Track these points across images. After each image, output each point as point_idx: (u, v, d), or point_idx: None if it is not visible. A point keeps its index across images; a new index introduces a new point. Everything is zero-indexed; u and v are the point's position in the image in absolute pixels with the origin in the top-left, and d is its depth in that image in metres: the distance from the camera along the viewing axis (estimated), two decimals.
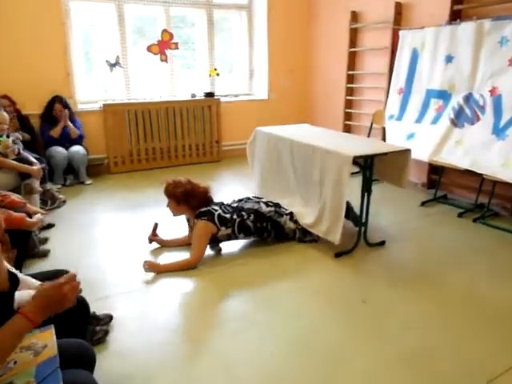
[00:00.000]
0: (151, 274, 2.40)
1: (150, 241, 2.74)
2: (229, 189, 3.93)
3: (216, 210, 2.57)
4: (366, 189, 2.62)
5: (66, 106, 4.15)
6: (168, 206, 2.58)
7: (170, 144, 4.84)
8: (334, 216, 2.55)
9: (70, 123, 4.16)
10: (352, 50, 4.70)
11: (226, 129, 5.17)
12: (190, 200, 2.52)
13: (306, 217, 2.80)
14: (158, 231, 2.75)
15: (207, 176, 4.11)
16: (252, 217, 2.65)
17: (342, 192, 2.48)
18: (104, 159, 4.61)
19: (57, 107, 4.08)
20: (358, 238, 2.67)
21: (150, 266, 2.41)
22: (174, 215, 2.62)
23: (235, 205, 2.75)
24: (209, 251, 2.64)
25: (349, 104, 4.90)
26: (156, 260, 2.53)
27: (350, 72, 4.78)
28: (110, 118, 4.50)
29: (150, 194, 3.87)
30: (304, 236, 2.77)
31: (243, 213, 2.65)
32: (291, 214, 2.80)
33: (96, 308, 1.94)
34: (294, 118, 5.37)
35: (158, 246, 2.75)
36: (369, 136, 4.31)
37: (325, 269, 2.47)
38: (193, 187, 2.54)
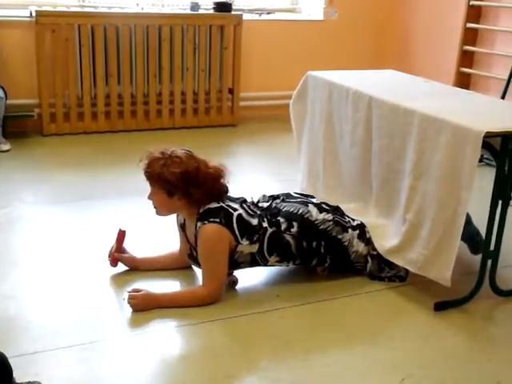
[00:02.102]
0: (116, 317, 2.41)
1: (114, 261, 2.75)
2: (251, 177, 3.92)
3: (235, 210, 2.58)
4: (501, 193, 2.57)
5: None
6: (151, 197, 2.58)
7: (149, 91, 4.86)
8: (441, 236, 2.53)
9: None
10: None
11: (250, 69, 5.16)
12: (191, 189, 2.51)
13: (386, 235, 2.80)
14: (125, 244, 2.76)
15: (213, 152, 4.06)
16: (295, 228, 2.64)
17: (458, 194, 2.45)
18: (33, 109, 4.64)
19: None
20: (479, 277, 2.63)
21: (143, 301, 2.43)
22: (160, 214, 2.63)
23: (266, 205, 2.76)
24: None
25: (470, 38, 4.85)
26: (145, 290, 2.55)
27: None
28: (48, 37, 4.51)
29: (112, 176, 3.87)
30: (380, 269, 2.77)
31: (280, 219, 2.65)
32: (362, 227, 2.79)
33: (16, 372, 1.92)
34: (370, 58, 5.36)
35: (125, 268, 2.77)
36: (504, 96, 4.27)
37: (417, 332, 2.43)
38: (198, 167, 2.53)
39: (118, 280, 2.69)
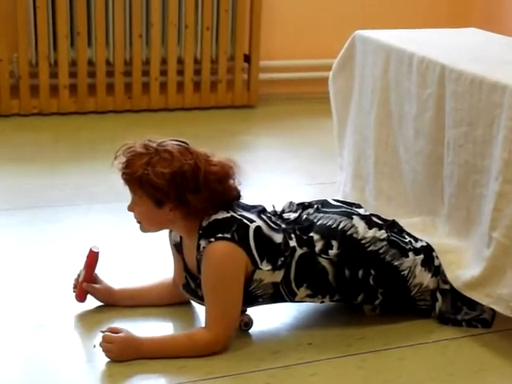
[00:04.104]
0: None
1: (82, 294, 2.76)
2: (272, 178, 3.98)
3: (251, 221, 2.59)
4: None
5: None
6: (132, 208, 2.61)
7: (132, 57, 4.93)
8: None
9: None
10: None
11: (274, 28, 5.22)
12: (187, 196, 2.52)
13: (463, 262, 2.81)
14: (98, 270, 2.78)
15: (221, 143, 4.12)
16: (334, 249, 2.65)
17: None
18: None
19: None
20: None
21: (122, 344, 2.43)
22: (145, 230, 2.65)
23: (294, 216, 2.77)
24: None
25: None
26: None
27: None
28: None
29: (79, 175, 3.91)
30: (455, 309, 2.78)
31: (313, 236, 2.66)
32: (428, 250, 2.81)
33: None
34: (444, 13, 5.40)
35: (98, 303, 2.78)
36: None
37: None
38: (196, 164, 2.54)
39: (87, 320, 2.69)
